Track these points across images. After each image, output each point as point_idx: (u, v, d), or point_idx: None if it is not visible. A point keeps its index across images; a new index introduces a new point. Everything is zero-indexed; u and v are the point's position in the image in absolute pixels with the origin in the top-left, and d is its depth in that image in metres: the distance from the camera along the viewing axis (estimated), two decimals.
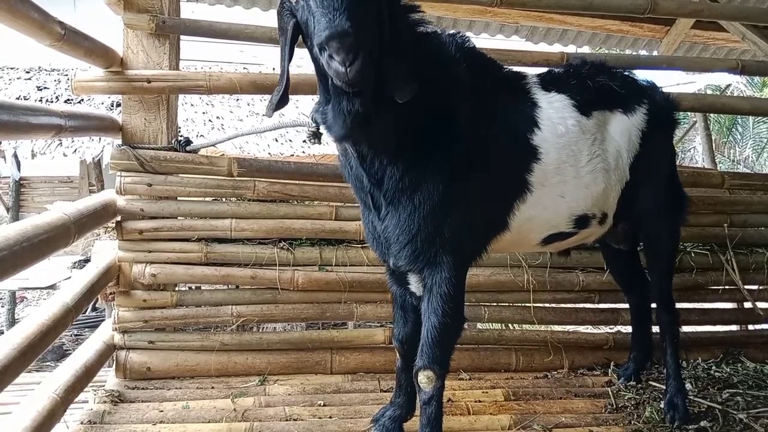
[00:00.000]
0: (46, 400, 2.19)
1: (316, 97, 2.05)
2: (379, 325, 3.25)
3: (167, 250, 2.98)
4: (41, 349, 2.06)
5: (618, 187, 2.42)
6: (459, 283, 2.08)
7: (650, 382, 2.93)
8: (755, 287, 3.50)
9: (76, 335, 8.00)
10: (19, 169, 9.63)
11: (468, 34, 4.41)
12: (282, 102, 1.93)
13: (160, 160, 2.96)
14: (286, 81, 1.90)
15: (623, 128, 2.43)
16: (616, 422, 2.58)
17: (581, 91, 2.36)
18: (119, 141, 3.05)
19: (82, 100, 7.83)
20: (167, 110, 3.04)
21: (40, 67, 8.76)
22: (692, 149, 14.23)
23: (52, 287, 6.88)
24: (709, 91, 10.40)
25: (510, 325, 3.77)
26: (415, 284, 2.17)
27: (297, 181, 3.10)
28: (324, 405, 2.68)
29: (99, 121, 2.99)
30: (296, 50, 1.90)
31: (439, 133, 1.99)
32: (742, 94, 13.13)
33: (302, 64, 1.89)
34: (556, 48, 6.29)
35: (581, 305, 3.37)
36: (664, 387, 2.71)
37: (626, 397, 2.80)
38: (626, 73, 2.63)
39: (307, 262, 3.08)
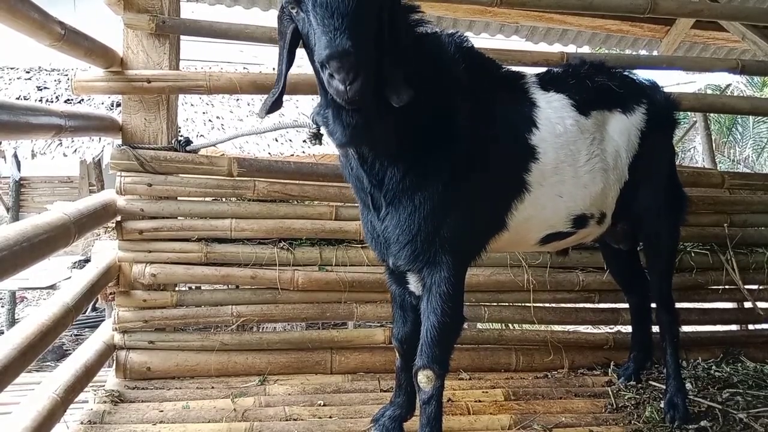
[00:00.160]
0: (46, 400, 2.19)
1: (316, 97, 2.05)
2: (379, 325, 3.25)
3: (167, 250, 2.98)
4: (41, 349, 2.06)
5: (617, 186, 2.43)
6: (458, 283, 2.08)
7: (650, 382, 2.93)
8: (755, 287, 3.50)
9: (76, 335, 8.00)
10: (19, 169, 9.64)
11: (468, 34, 4.42)
12: (275, 105, 1.93)
13: (160, 160, 2.96)
14: (282, 85, 1.90)
15: (622, 128, 2.43)
16: (616, 422, 2.58)
17: (580, 90, 2.36)
18: (119, 141, 3.05)
19: (82, 100, 7.82)
20: (167, 110, 3.04)
21: (40, 67, 8.75)
22: (692, 149, 14.23)
23: (52, 287, 6.88)
24: (709, 91, 10.40)
25: (510, 325, 3.77)
26: (414, 284, 2.17)
27: (297, 181, 3.10)
28: (324, 405, 2.68)
29: (99, 121, 2.99)
30: (296, 51, 1.90)
31: (439, 134, 2.00)
32: (742, 94, 13.12)
33: (302, 63, 1.88)
34: (556, 48, 6.29)
35: (581, 305, 3.37)
36: (664, 387, 2.71)
37: (626, 397, 2.80)
38: (625, 73, 2.63)
39: (307, 262, 3.09)
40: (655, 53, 6.19)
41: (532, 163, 2.19)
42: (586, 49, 6.55)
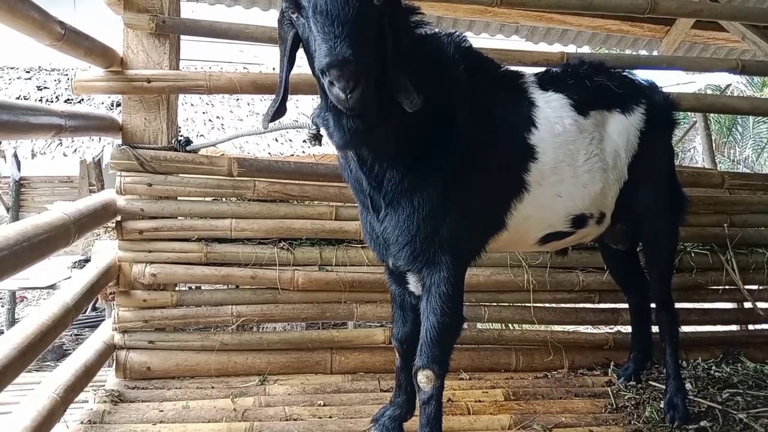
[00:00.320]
0: (46, 400, 2.19)
1: (316, 98, 2.05)
2: (379, 325, 3.25)
3: (167, 250, 2.98)
4: (41, 349, 2.06)
5: (616, 186, 2.43)
6: (458, 283, 2.08)
7: (650, 382, 2.93)
8: (755, 287, 3.50)
9: (76, 335, 7.99)
10: (19, 169, 9.63)
11: (468, 34, 4.42)
12: (279, 113, 1.92)
13: (160, 160, 2.96)
14: (284, 91, 1.89)
15: (621, 128, 2.43)
16: (616, 422, 2.58)
17: (579, 90, 2.36)
18: (119, 141, 3.05)
19: (82, 99, 7.83)
20: (167, 110, 3.05)
21: (40, 67, 8.76)
22: (692, 149, 14.23)
23: (52, 287, 6.87)
24: (709, 91, 10.40)
25: (510, 325, 3.77)
26: (413, 284, 2.17)
27: (297, 181, 3.10)
28: (324, 405, 2.68)
29: (99, 121, 2.99)
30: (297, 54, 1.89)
31: (439, 134, 1.99)
32: (742, 94, 13.13)
33: (302, 64, 1.88)
34: (556, 48, 6.29)
35: (581, 305, 3.37)
36: (664, 387, 2.71)
37: (626, 397, 2.80)
38: (624, 73, 2.63)
39: (307, 262, 3.09)
40: (655, 53, 6.19)
41: (531, 163, 2.19)
42: (586, 49, 6.54)
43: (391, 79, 1.75)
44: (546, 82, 2.35)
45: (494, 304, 3.25)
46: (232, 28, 3.02)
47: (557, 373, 3.13)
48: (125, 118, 3.03)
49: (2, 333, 3.73)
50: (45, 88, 8.21)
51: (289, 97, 1.96)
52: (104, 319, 4.85)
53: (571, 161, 2.27)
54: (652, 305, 2.86)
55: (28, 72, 8.67)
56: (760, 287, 3.51)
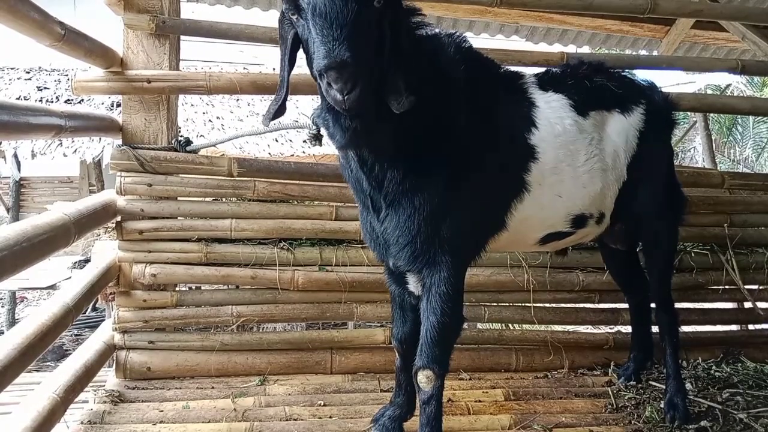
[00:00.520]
0: (46, 400, 2.19)
1: (316, 98, 2.05)
2: (379, 325, 3.25)
3: (167, 251, 2.98)
4: (41, 349, 2.06)
5: (615, 186, 2.43)
6: (458, 283, 2.08)
7: (650, 382, 2.93)
8: (755, 287, 3.50)
9: (76, 335, 7.99)
10: (19, 169, 9.62)
11: (468, 34, 4.42)
12: (279, 112, 1.93)
13: (160, 160, 2.96)
14: (285, 90, 1.89)
15: (621, 128, 2.43)
16: (616, 422, 2.58)
17: (579, 91, 2.36)
18: (119, 141, 3.05)
19: (82, 100, 7.83)
20: (167, 110, 3.05)
21: (40, 67, 8.76)
22: (692, 149, 14.24)
23: (52, 287, 6.88)
24: (709, 91, 10.40)
25: (510, 325, 3.77)
26: (413, 284, 2.17)
27: (297, 181, 3.10)
28: (324, 405, 2.68)
29: (99, 121, 2.99)
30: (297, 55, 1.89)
31: (439, 135, 1.99)
32: (742, 94, 13.13)
33: (302, 63, 1.88)
34: (556, 48, 6.29)
35: (581, 305, 3.37)
36: (664, 387, 2.71)
37: (626, 397, 2.80)
38: (624, 74, 2.63)
39: (307, 262, 3.09)
40: (655, 53, 6.19)
41: (531, 163, 2.19)
42: (586, 49, 6.55)
43: (389, 81, 1.75)
44: (546, 82, 2.36)
45: (494, 304, 3.26)
46: (232, 28, 3.02)
47: (557, 373, 3.13)
48: (125, 119, 3.03)
49: (2, 333, 3.73)
50: (45, 88, 8.22)
51: (290, 97, 1.96)
52: (104, 320, 4.85)
53: (571, 161, 2.27)
54: (652, 305, 2.86)
55: (29, 72, 8.68)
56: (760, 287, 3.51)
